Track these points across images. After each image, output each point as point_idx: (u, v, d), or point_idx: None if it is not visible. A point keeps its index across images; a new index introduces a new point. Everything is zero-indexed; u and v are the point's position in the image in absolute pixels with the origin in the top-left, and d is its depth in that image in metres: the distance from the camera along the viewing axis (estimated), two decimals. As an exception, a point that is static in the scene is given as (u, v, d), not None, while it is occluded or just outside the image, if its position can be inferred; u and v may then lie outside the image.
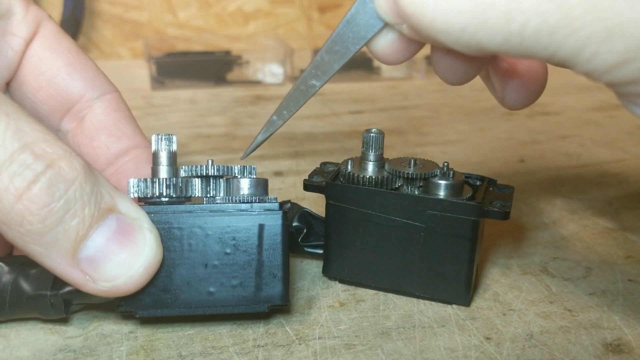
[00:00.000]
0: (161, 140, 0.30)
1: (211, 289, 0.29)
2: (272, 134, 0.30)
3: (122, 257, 0.26)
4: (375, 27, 0.25)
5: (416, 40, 0.25)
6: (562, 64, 0.21)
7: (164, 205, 0.29)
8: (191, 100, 0.73)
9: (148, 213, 0.28)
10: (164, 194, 0.29)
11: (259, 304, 0.29)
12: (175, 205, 0.29)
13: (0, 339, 0.29)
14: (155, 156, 0.30)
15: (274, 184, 0.48)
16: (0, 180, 0.23)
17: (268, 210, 0.29)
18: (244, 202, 0.29)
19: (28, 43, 0.33)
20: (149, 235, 0.27)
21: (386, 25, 0.25)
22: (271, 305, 0.29)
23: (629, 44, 0.19)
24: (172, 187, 0.29)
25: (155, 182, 0.29)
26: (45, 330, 0.30)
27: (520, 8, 0.20)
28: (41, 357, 0.28)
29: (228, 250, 0.29)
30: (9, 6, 0.33)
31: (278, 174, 0.51)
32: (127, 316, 0.31)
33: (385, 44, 0.26)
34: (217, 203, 0.29)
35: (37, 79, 0.33)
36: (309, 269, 0.36)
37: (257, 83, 0.80)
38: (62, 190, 0.24)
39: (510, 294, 0.34)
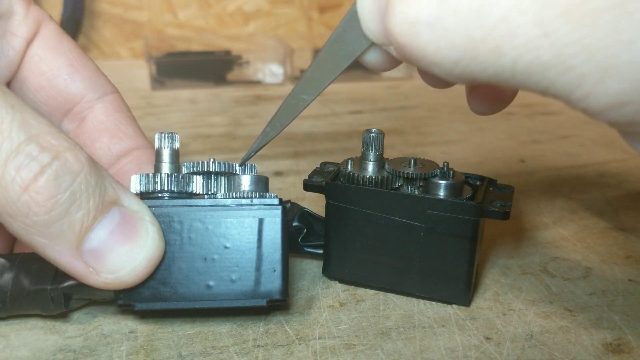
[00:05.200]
0: (164, 138, 0.30)
1: (210, 283, 0.29)
2: (266, 144, 0.30)
3: (125, 249, 0.26)
4: (364, 45, 0.25)
5: (404, 61, 0.25)
6: (556, 99, 0.21)
7: (165, 200, 0.29)
8: (191, 100, 0.73)
9: (149, 207, 0.28)
10: (166, 189, 0.29)
11: (257, 299, 0.29)
12: (176, 200, 0.29)
13: (0, 339, 0.29)
14: (158, 154, 0.30)
15: (274, 184, 0.48)
16: (6, 171, 0.23)
17: (268, 205, 0.29)
18: (244, 198, 0.29)
19: (29, 43, 0.33)
20: (151, 228, 0.27)
21: (374, 44, 0.25)
22: (270, 300, 0.29)
23: (624, 87, 0.18)
24: (173, 182, 0.29)
25: (157, 177, 0.29)
26: (45, 330, 0.30)
27: (512, 44, 0.19)
28: (41, 357, 0.28)
29: (228, 245, 0.29)
30: (10, 6, 0.33)
31: (278, 174, 0.51)
32: (127, 316, 0.31)
33: (374, 57, 0.26)
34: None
35: (37, 79, 0.33)
36: (309, 269, 0.36)
37: (257, 83, 0.80)
38: (68, 181, 0.24)
39: (510, 294, 0.34)
